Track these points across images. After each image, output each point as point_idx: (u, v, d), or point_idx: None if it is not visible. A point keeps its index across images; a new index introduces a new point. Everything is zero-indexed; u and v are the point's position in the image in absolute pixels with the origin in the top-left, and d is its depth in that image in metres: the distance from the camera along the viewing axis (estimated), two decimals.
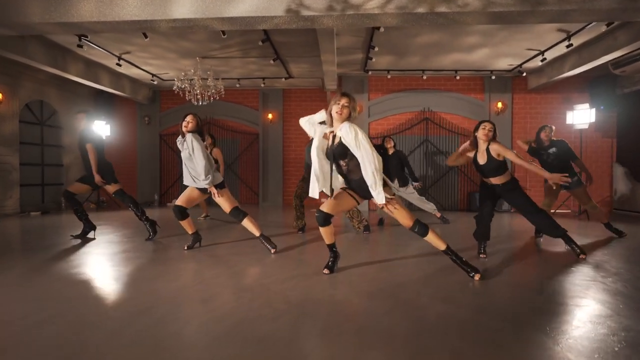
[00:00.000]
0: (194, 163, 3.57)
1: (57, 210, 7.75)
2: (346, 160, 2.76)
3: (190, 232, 3.87)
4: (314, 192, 2.87)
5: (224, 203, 3.70)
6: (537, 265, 3.33)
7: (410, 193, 5.57)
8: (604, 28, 5.02)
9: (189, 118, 3.63)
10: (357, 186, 2.83)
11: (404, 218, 2.77)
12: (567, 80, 7.69)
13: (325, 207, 2.88)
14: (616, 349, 1.70)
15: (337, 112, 2.71)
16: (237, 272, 3.03)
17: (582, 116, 6.92)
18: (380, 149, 5.56)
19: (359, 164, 2.67)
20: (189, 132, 3.59)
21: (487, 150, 3.43)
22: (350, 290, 2.56)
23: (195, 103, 6.92)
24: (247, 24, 3.95)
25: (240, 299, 2.36)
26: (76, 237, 4.43)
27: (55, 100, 8.11)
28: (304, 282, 2.72)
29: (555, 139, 4.49)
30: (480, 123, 3.51)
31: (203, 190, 3.74)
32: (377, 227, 5.39)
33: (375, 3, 3.65)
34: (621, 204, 7.61)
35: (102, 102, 9.04)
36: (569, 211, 7.59)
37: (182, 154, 3.64)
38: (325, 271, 2.95)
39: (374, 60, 6.79)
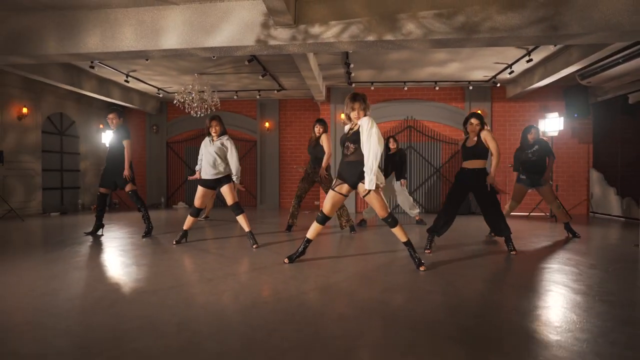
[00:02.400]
0: (230, 161, 4.39)
1: (74, 211, 8.63)
2: (355, 145, 3.29)
3: (185, 228, 4.57)
4: None
5: (229, 195, 4.41)
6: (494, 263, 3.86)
7: (402, 189, 6.20)
8: (552, 47, 5.48)
9: (214, 123, 4.42)
10: (349, 171, 3.32)
11: (381, 208, 3.29)
12: (543, 90, 8.10)
13: (326, 210, 3.42)
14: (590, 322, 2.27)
15: (355, 117, 3.29)
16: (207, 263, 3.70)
17: (552, 124, 7.33)
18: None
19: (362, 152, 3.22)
20: (220, 134, 4.42)
21: (478, 136, 4.04)
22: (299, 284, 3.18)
23: (194, 115, 7.68)
24: (225, 52, 4.64)
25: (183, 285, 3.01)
26: (88, 233, 5.19)
27: (73, 112, 9.04)
28: (263, 275, 3.36)
29: (539, 138, 5.15)
30: (467, 118, 4.13)
31: (213, 187, 4.46)
32: (359, 226, 5.98)
33: (331, 33, 4.28)
34: (597, 207, 7.95)
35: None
36: (544, 214, 7.98)
37: (208, 150, 4.39)
38: (286, 260, 3.56)
39: (353, 74, 7.40)
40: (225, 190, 4.42)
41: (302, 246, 3.60)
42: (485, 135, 4.00)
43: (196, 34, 4.46)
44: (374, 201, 3.28)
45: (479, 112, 8.45)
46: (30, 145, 7.88)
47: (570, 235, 5.08)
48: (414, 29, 4.19)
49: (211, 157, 4.38)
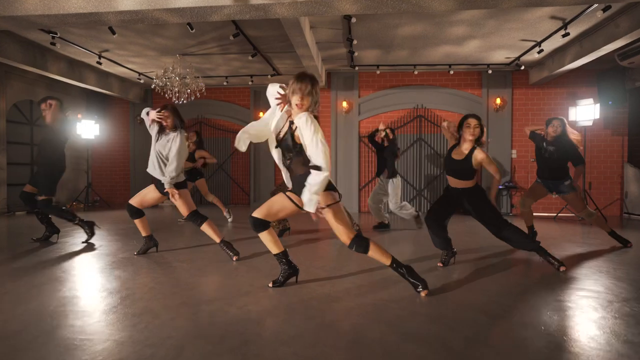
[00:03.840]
0: (169, 159, 3.40)
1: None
2: (292, 153, 2.41)
3: (143, 235, 3.66)
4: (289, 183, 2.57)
5: (182, 206, 3.50)
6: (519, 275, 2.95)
7: (395, 187, 5.09)
8: (599, 14, 4.53)
9: (166, 114, 3.43)
10: (298, 185, 2.45)
11: (342, 234, 2.44)
12: (572, 74, 7.13)
13: (258, 212, 2.57)
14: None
15: (296, 105, 2.33)
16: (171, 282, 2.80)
17: (585, 112, 6.37)
18: (373, 142, 5.24)
19: (305, 160, 2.35)
20: (171, 129, 3.45)
21: (470, 152, 3.07)
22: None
23: (176, 101, 6.77)
24: (197, 15, 3.72)
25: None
26: (37, 240, 4.30)
27: None
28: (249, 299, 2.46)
29: (563, 135, 4.00)
30: (463, 119, 3.13)
31: (162, 192, 3.48)
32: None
33: None
34: (633, 207, 7.00)
35: (94, 101, 9.04)
36: (573, 215, 7.04)
37: (157, 143, 3.45)
38: (270, 285, 2.67)
39: (357, 54, 6.44)
40: (176, 203, 3.48)
41: (283, 266, 2.70)
42: (481, 160, 3.02)
43: None
44: (332, 224, 2.44)
45: (499, 100, 7.52)
46: None
47: (620, 245, 4.15)
48: None
49: (153, 154, 3.47)
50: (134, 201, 3.52)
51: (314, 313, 2.17)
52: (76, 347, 1.72)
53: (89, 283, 2.75)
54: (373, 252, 2.44)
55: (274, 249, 2.66)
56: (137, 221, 3.57)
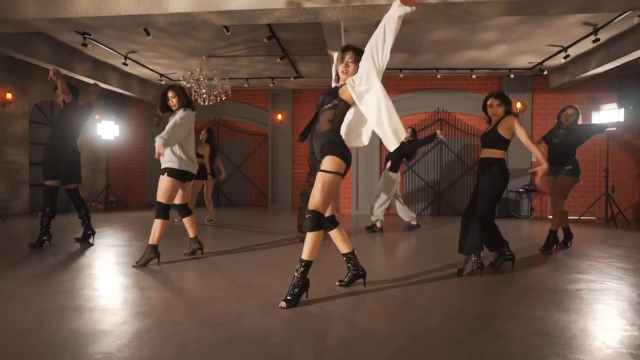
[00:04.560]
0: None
1: (66, 211, 7.72)
2: (327, 106, 2.40)
3: (191, 236, 3.64)
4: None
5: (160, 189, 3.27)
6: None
7: (386, 181, 5.11)
8: (636, 20, 4.61)
9: (171, 94, 3.36)
10: (318, 145, 2.42)
11: (314, 202, 2.31)
12: (593, 79, 7.22)
13: (322, 209, 2.34)
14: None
15: (342, 72, 2.46)
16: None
17: (609, 117, 6.45)
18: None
19: (333, 116, 2.38)
20: (178, 108, 3.37)
21: (501, 119, 3.08)
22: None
23: (202, 103, 6.78)
24: (247, 17, 3.75)
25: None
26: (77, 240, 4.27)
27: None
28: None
29: (577, 122, 4.05)
30: (485, 100, 3.18)
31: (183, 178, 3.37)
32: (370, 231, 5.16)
33: None
34: None
35: (112, 102, 9.03)
36: (594, 218, 7.12)
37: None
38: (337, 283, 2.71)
39: None
40: (160, 184, 3.32)
41: (349, 266, 2.69)
42: (509, 125, 2.99)
43: None
44: (315, 187, 2.35)
45: (519, 104, 7.60)
46: (16, 135, 6.96)
47: (555, 246, 4.07)
48: None
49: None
50: (177, 201, 3.53)
51: (395, 312, 2.19)
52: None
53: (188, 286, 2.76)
54: (334, 235, 2.64)
55: (344, 248, 2.68)
56: (185, 220, 3.57)
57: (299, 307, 2.27)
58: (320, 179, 2.35)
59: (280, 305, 2.27)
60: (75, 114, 4.07)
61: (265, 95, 9.05)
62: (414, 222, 5.27)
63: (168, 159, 3.34)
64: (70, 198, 4.20)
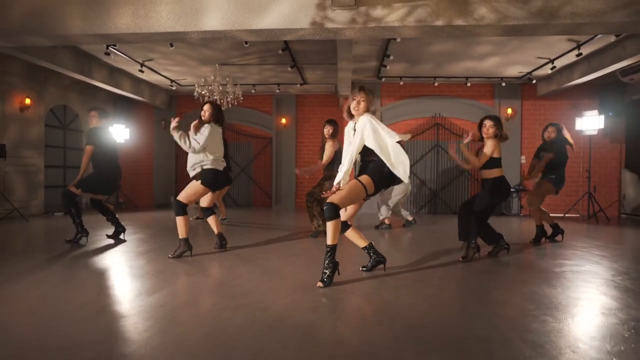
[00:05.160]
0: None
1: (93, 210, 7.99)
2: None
3: (216, 232, 4.02)
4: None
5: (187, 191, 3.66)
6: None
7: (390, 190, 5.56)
8: (613, 38, 5.18)
9: (206, 106, 3.77)
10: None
11: (337, 198, 2.72)
12: (576, 87, 7.83)
13: (339, 210, 2.77)
14: (625, 335, 1.88)
15: (354, 109, 2.87)
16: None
17: (591, 122, 7.06)
18: None
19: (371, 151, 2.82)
20: (205, 121, 3.74)
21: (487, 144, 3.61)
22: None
23: None
24: (273, 35, 4.18)
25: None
26: (110, 236, 4.61)
27: (77, 104, 8.41)
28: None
29: (559, 137, 4.53)
30: (481, 121, 3.67)
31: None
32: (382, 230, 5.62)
33: (395, 16, 3.87)
34: (630, 209, 7.72)
35: (121, 106, 9.34)
36: (578, 215, 7.73)
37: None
38: (361, 268, 3.14)
39: (388, 67, 7.00)
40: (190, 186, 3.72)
41: (371, 255, 3.14)
42: (486, 144, 3.55)
43: (242, 13, 3.99)
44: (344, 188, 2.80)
45: (510, 110, 8.18)
46: (33, 139, 7.24)
47: (545, 240, 4.59)
48: (486, 13, 3.82)
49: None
50: (204, 202, 3.96)
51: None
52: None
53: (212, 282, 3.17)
54: (350, 235, 3.06)
55: (362, 243, 3.13)
56: (209, 219, 3.96)
57: (333, 287, 2.71)
58: (352, 183, 2.80)
59: (317, 285, 2.71)
60: (110, 134, 4.50)
61: (269, 100, 9.47)
62: (387, 222, 5.70)
63: (201, 162, 3.71)
64: (94, 205, 4.57)
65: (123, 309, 2.23)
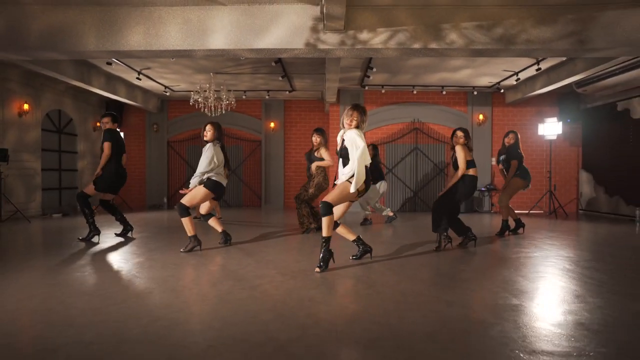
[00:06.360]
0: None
1: (75, 213, 8.26)
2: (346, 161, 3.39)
3: (219, 230, 4.51)
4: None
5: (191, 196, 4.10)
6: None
7: (371, 190, 6.09)
8: (564, 58, 5.96)
9: (208, 127, 4.26)
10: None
11: (330, 197, 3.27)
12: (540, 96, 8.68)
13: (333, 209, 3.34)
14: (567, 299, 2.53)
15: (347, 123, 3.40)
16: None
17: (551, 128, 7.90)
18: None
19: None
20: (207, 141, 4.22)
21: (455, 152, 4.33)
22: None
23: (210, 114, 7.60)
24: (271, 53, 4.70)
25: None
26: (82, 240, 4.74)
27: (71, 109, 8.65)
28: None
29: (514, 145, 5.30)
30: (453, 132, 4.39)
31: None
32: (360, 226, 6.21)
33: (379, 39, 4.46)
34: (586, 205, 8.63)
35: (113, 110, 9.59)
36: (542, 211, 8.57)
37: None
38: (351, 257, 3.70)
39: (371, 77, 7.62)
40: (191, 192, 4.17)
41: (360, 246, 3.69)
42: (457, 149, 4.24)
43: (244, 35, 4.49)
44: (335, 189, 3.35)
45: (481, 116, 8.96)
46: (31, 143, 7.48)
47: (509, 233, 5.30)
48: (456, 38, 4.46)
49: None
50: (202, 210, 4.44)
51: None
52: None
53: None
54: (340, 231, 3.57)
55: (351, 237, 3.69)
56: (211, 221, 4.43)
57: (329, 271, 3.27)
58: (344, 185, 3.35)
59: (315, 270, 3.27)
60: (121, 137, 4.92)
61: (259, 105, 9.95)
62: (369, 217, 6.39)
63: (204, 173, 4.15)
64: (103, 206, 4.98)
65: (162, 289, 2.72)
